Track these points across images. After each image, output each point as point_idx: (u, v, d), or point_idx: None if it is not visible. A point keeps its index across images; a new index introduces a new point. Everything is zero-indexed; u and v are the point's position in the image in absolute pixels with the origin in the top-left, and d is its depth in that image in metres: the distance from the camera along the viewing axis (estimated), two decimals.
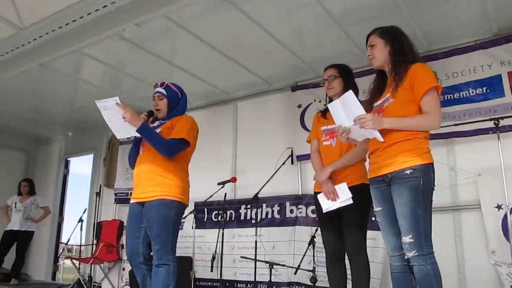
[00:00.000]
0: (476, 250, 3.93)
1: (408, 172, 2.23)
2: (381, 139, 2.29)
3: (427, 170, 2.24)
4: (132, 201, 3.02)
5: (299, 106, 5.28)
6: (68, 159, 8.19)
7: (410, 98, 2.32)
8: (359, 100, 2.33)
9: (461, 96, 4.22)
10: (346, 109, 2.34)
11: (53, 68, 5.02)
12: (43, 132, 8.06)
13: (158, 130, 2.99)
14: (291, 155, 5.11)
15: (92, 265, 6.16)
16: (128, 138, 3.18)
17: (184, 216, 5.32)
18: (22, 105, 6.54)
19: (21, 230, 6.53)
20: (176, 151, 2.92)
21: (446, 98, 4.26)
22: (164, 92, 3.10)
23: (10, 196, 6.85)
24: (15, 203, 6.68)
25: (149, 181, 2.91)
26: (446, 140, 4.24)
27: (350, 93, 2.32)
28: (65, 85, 5.77)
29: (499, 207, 3.81)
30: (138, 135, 2.91)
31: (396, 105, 2.35)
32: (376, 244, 4.17)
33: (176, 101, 3.13)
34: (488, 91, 4.08)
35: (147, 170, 2.93)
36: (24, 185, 6.85)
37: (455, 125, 4.13)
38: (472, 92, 4.16)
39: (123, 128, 2.88)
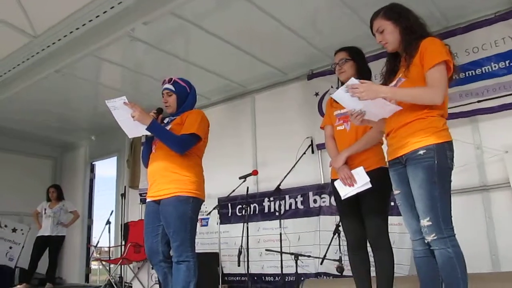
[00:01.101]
0: (509, 230, 3.77)
1: (421, 152, 2.13)
2: (399, 107, 2.20)
3: (442, 149, 2.12)
4: (148, 199, 3.01)
5: (317, 94, 5.20)
6: (93, 163, 8.32)
7: (422, 74, 2.21)
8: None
9: (483, 72, 4.05)
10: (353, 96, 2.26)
11: (71, 74, 5.12)
12: (67, 138, 8.20)
13: (168, 127, 2.97)
14: (311, 144, 5.03)
15: (122, 266, 6.23)
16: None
17: (208, 212, 5.43)
18: (46, 113, 6.69)
19: (52, 235, 6.62)
20: (187, 146, 2.89)
21: (467, 74, 4.11)
22: (173, 88, 3.08)
23: (39, 203, 6.97)
24: (45, 209, 6.79)
25: (163, 179, 2.89)
26: (470, 118, 4.09)
27: (352, 80, 2.24)
28: (85, 90, 5.85)
29: None
30: (148, 133, 2.90)
31: (408, 84, 2.25)
32: (404, 229, 4.04)
33: (185, 96, 3.10)
34: (511, 64, 3.90)
35: (161, 167, 2.92)
36: (52, 191, 6.95)
37: (479, 101, 3.99)
38: (495, 66, 4.00)
39: (133, 127, 2.87)
